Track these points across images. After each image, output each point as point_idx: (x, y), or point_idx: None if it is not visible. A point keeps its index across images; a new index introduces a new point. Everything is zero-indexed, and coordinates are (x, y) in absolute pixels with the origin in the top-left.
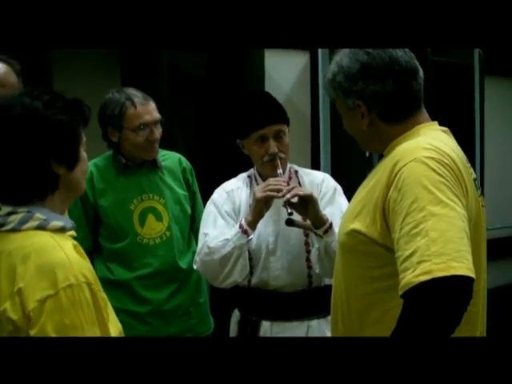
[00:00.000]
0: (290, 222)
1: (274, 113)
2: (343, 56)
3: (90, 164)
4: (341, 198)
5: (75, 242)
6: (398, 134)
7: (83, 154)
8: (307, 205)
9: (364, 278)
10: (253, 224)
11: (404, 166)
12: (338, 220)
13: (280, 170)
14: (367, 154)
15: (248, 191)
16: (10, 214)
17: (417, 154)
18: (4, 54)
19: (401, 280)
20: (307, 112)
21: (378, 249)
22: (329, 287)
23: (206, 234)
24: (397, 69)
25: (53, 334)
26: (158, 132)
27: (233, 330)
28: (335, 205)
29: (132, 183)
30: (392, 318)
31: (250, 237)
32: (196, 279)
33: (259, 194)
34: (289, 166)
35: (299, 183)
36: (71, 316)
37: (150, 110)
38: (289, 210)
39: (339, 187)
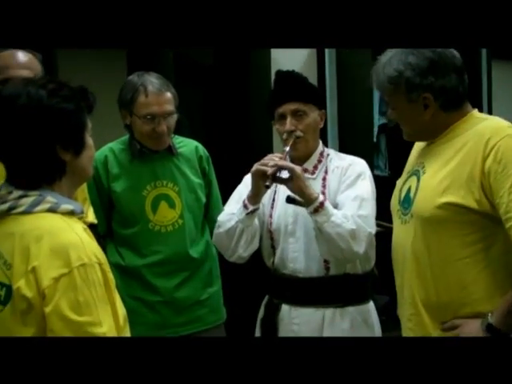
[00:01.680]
0: (289, 200)
1: (293, 91)
2: (402, 55)
3: (105, 148)
4: (363, 182)
5: (85, 226)
6: (453, 121)
7: (89, 140)
8: (292, 179)
9: (457, 245)
10: (251, 198)
11: (499, 140)
12: (350, 202)
13: (287, 148)
14: (375, 139)
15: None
16: (21, 197)
17: (507, 131)
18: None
19: None
20: None
21: (473, 216)
22: (350, 276)
23: (223, 210)
24: (457, 64)
25: (68, 311)
26: (166, 124)
27: (261, 312)
28: (353, 188)
29: (146, 169)
30: (485, 276)
31: (249, 210)
32: (208, 268)
33: (252, 169)
34: (321, 149)
35: (326, 167)
36: (85, 293)
37: (161, 101)
38: (266, 183)
39: (367, 173)
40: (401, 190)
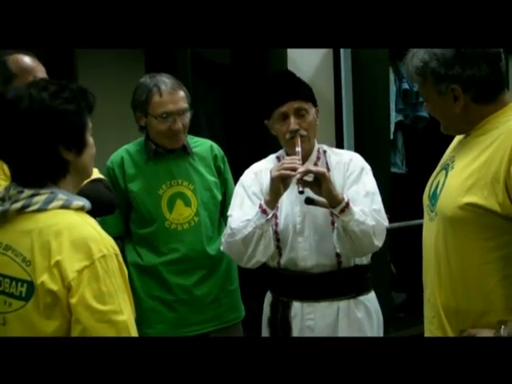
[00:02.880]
0: (309, 201)
1: (294, 90)
2: None
3: (121, 150)
4: (367, 176)
5: (94, 220)
6: (489, 114)
7: (90, 139)
8: (320, 183)
9: (477, 249)
10: (271, 203)
11: None
12: (362, 198)
13: (299, 148)
14: (391, 137)
15: None
16: (33, 195)
17: None
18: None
19: None
20: (330, 95)
21: (496, 220)
22: (358, 267)
23: (230, 216)
24: (489, 52)
25: (92, 301)
26: (182, 122)
27: (266, 312)
28: (360, 184)
29: (161, 169)
30: (506, 286)
31: (269, 216)
32: (226, 266)
33: (274, 173)
34: (317, 146)
35: (327, 163)
36: (107, 283)
37: (175, 100)
38: (300, 189)
39: (368, 167)
40: (431, 185)
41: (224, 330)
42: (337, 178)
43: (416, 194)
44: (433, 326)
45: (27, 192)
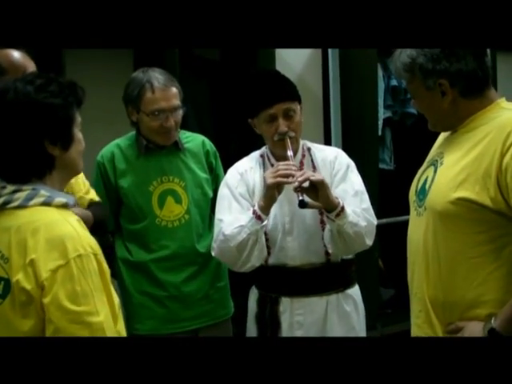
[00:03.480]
0: (302, 204)
1: (282, 91)
2: None
3: (112, 144)
4: (353, 174)
5: (78, 218)
6: (477, 109)
7: (78, 134)
8: (318, 189)
9: (467, 243)
10: (265, 209)
11: None
12: (351, 198)
13: (290, 152)
14: (380, 133)
15: (261, 171)
16: (15, 191)
17: None
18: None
19: None
20: (319, 91)
21: (487, 214)
22: (345, 262)
23: (221, 220)
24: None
25: (65, 301)
26: (174, 119)
27: (252, 308)
28: (348, 182)
29: (152, 165)
30: (496, 278)
31: (265, 222)
32: (216, 263)
33: (270, 180)
34: (301, 142)
35: (312, 161)
36: (82, 284)
37: (168, 96)
38: (300, 198)
39: (352, 163)
40: (418, 180)
41: (213, 326)
42: (324, 175)
43: (404, 190)
44: (419, 319)
45: (9, 188)
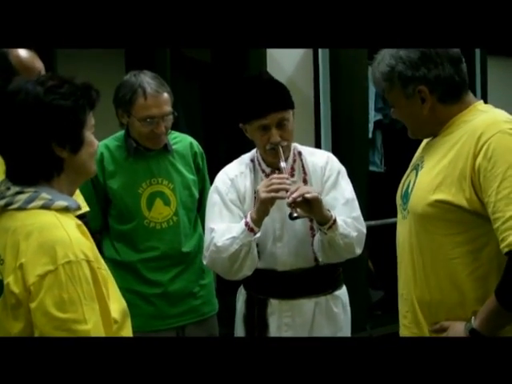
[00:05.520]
0: (293, 218)
1: (276, 100)
2: (394, 50)
3: (100, 145)
4: (344, 181)
5: (79, 222)
6: (455, 114)
7: (89, 137)
8: (312, 204)
9: (446, 244)
10: (258, 222)
11: (491, 137)
12: (342, 206)
13: (283, 164)
14: (370, 136)
15: (252, 177)
16: (17, 193)
17: (500, 126)
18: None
19: (504, 238)
20: (310, 94)
21: (464, 215)
22: (334, 264)
23: (212, 230)
24: (450, 53)
25: (51, 308)
26: (165, 125)
27: (240, 309)
28: (338, 189)
29: (141, 167)
30: (476, 278)
31: (257, 235)
32: (200, 262)
33: (264, 195)
34: (292, 146)
35: (303, 166)
36: (69, 291)
37: (160, 103)
38: (294, 214)
39: (343, 169)
40: (403, 185)
41: (199, 323)
42: (314, 182)
43: (394, 192)
44: (406, 320)
45: (13, 189)
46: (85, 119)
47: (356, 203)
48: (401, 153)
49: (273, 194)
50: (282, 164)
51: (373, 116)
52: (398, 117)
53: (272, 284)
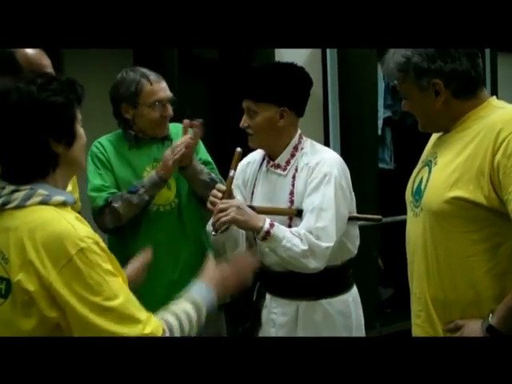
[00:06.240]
0: (213, 234)
1: (249, 88)
2: None
3: (102, 139)
4: (327, 186)
5: (77, 215)
6: (468, 110)
7: (80, 130)
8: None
9: (463, 242)
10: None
11: (510, 133)
12: (308, 213)
13: (232, 173)
14: (380, 132)
15: (258, 166)
16: (13, 192)
17: None
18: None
19: None
20: (319, 91)
21: (481, 212)
22: (324, 270)
23: None
24: (468, 48)
25: (85, 294)
26: (170, 109)
27: (254, 296)
28: (315, 194)
29: (144, 153)
30: (493, 276)
31: (214, 234)
32: (205, 249)
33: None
34: (295, 142)
35: (297, 163)
36: (92, 275)
37: (164, 88)
38: (213, 233)
39: (334, 173)
40: (414, 181)
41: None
42: (299, 182)
43: (404, 189)
44: (419, 319)
45: (8, 188)
46: (76, 113)
47: (327, 213)
48: (410, 149)
49: (208, 205)
50: (231, 173)
51: (382, 113)
52: (410, 109)
53: (265, 279)
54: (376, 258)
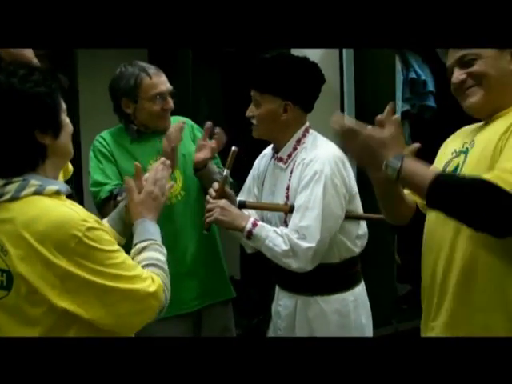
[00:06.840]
0: (241, 205)
1: (254, 78)
2: None
3: (104, 133)
4: (317, 185)
5: (71, 202)
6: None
7: (65, 119)
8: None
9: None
10: None
11: None
12: (294, 213)
13: (226, 171)
14: None
15: (269, 158)
16: (6, 184)
17: None
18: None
19: None
20: (336, 84)
21: None
22: (321, 267)
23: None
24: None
25: (98, 267)
26: (171, 102)
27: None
28: (307, 192)
29: (147, 146)
30: None
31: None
32: (213, 242)
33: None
34: (299, 136)
35: (294, 163)
36: (102, 249)
37: (163, 81)
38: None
39: (325, 171)
40: (444, 170)
41: (213, 306)
42: (294, 178)
43: None
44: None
45: (0, 182)
46: (60, 102)
47: (312, 213)
48: (429, 143)
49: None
50: (224, 172)
51: (400, 106)
52: (479, 70)
53: (275, 271)
54: (393, 253)
